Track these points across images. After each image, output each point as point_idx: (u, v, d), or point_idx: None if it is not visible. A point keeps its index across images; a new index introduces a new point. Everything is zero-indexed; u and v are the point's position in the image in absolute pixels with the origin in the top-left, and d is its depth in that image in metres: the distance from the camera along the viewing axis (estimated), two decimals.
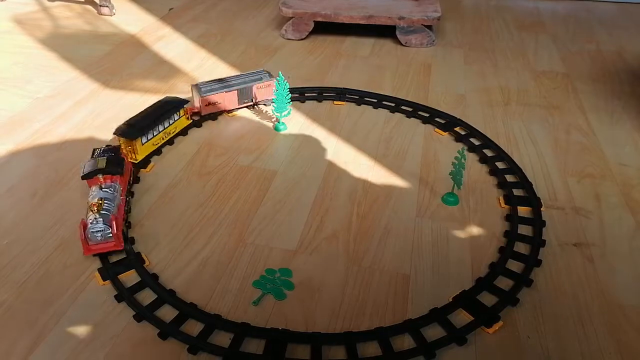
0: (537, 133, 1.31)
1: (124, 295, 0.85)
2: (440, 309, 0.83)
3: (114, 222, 0.90)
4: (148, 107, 1.22)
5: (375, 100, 1.44)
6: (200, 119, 1.33)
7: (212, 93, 1.31)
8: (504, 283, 0.88)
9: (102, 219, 0.90)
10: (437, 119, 1.35)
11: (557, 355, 0.77)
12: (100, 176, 0.98)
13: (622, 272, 0.91)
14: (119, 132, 1.14)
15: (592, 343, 0.79)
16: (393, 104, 1.42)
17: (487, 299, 0.85)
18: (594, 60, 1.71)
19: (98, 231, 0.89)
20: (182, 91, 1.48)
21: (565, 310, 0.84)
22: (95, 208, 0.91)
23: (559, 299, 0.86)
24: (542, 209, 1.04)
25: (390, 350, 0.77)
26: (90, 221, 0.90)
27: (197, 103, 1.33)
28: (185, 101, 1.27)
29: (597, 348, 0.78)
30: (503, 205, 1.06)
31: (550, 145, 1.26)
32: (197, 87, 1.32)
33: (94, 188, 0.98)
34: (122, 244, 0.92)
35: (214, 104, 1.32)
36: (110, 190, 0.97)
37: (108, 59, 1.68)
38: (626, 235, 1.00)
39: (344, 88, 1.48)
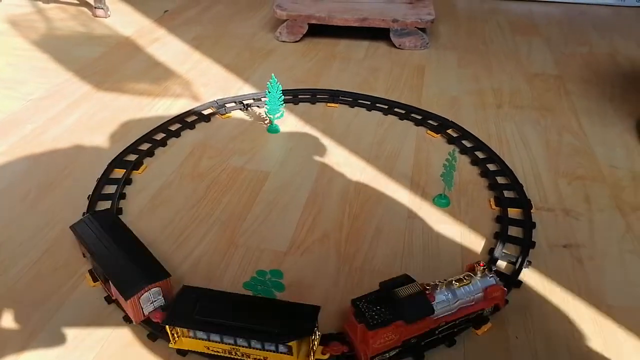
0: (529, 135, 1.31)
1: None
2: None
3: None
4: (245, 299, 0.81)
5: (369, 103, 1.44)
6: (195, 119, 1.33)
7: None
8: None
9: None
10: (429, 121, 1.35)
11: (545, 356, 0.77)
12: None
13: (611, 274, 0.92)
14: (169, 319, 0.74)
15: (580, 342, 0.79)
16: (386, 106, 1.42)
17: None
18: (587, 62, 1.72)
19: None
20: (175, 94, 1.48)
21: (554, 311, 0.85)
22: None
23: (548, 300, 0.87)
24: (532, 210, 1.04)
25: None
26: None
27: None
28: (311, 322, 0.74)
29: (585, 347, 0.79)
30: (494, 206, 1.06)
31: (541, 147, 1.27)
32: None
33: None
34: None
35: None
36: None
37: (102, 60, 1.68)
38: (616, 237, 1.00)
39: (337, 90, 1.49)
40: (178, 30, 1.92)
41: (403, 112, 1.40)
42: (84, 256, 0.92)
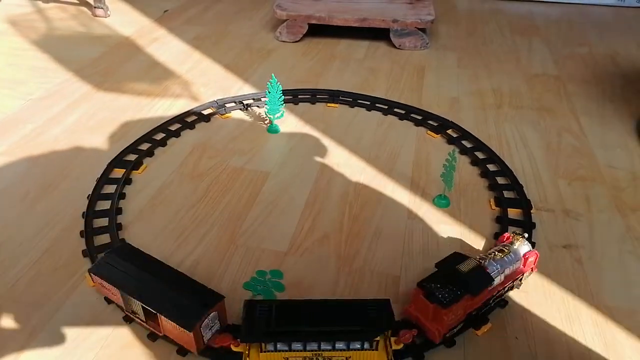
0: (529, 135, 1.31)
1: None
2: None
3: None
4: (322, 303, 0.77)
5: (369, 103, 1.44)
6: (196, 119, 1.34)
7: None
8: None
9: None
10: (429, 122, 1.35)
11: (545, 357, 0.77)
12: None
13: (611, 274, 0.92)
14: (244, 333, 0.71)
15: (580, 343, 0.80)
16: (386, 107, 1.42)
17: None
18: (586, 63, 1.72)
19: None
20: (175, 94, 1.48)
21: (553, 311, 0.85)
22: None
23: (548, 300, 0.87)
24: (532, 211, 1.04)
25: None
26: None
27: None
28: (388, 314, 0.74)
29: (585, 349, 0.79)
30: (493, 207, 1.06)
31: (541, 147, 1.27)
32: None
33: None
34: None
35: None
36: None
37: (102, 60, 1.68)
38: (615, 237, 1.00)
39: (337, 90, 1.49)
40: (178, 30, 1.92)
41: (403, 112, 1.40)
42: (108, 301, 0.84)
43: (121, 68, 1.63)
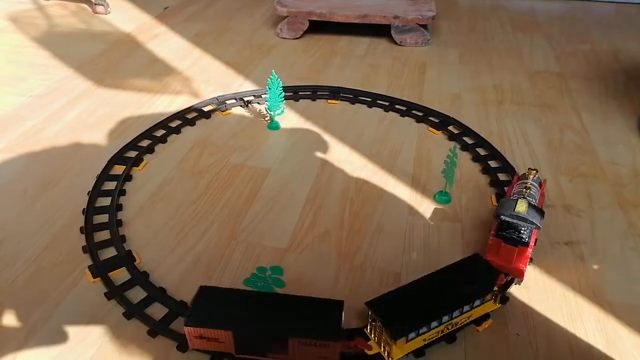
0: (531, 132, 1.31)
1: (114, 292, 0.85)
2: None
3: None
4: (424, 280, 0.80)
5: (370, 99, 1.44)
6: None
7: None
8: None
9: None
10: (430, 118, 1.35)
11: (546, 352, 0.77)
12: None
13: (612, 271, 0.92)
14: (381, 318, 0.72)
15: (581, 339, 0.79)
16: (387, 103, 1.42)
17: None
18: (588, 60, 1.72)
19: None
20: (175, 90, 1.48)
21: (555, 307, 0.84)
22: None
23: (549, 296, 0.86)
24: None
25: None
26: None
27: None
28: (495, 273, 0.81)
29: (587, 345, 0.78)
30: (495, 203, 1.06)
31: (543, 144, 1.26)
32: None
33: None
34: None
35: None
36: None
37: (102, 57, 1.67)
38: (617, 234, 1.00)
39: (338, 87, 1.48)
40: (178, 26, 1.92)
41: (404, 108, 1.40)
42: (181, 348, 0.76)
43: (121, 65, 1.62)
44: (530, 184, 0.94)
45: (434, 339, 0.76)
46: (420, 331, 0.72)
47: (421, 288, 0.77)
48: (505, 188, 1.08)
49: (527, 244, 0.83)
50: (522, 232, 0.84)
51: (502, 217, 0.87)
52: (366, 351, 0.74)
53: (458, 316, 0.76)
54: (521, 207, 0.87)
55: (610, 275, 0.91)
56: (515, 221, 0.85)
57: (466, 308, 0.76)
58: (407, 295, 0.76)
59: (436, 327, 0.74)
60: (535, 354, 0.77)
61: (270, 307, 0.74)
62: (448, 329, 0.76)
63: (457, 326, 0.78)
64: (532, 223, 0.86)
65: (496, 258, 0.85)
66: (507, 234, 0.84)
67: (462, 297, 0.75)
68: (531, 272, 0.90)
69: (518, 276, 0.86)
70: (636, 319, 0.83)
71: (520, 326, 0.81)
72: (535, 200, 0.92)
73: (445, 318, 0.74)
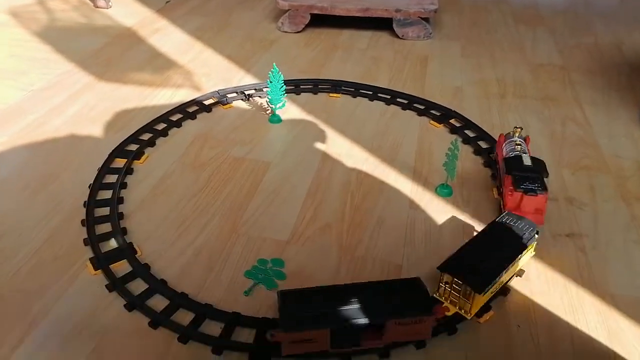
0: (533, 125, 1.30)
1: (116, 285, 0.85)
2: (432, 298, 0.83)
3: None
4: (480, 237, 0.87)
5: (371, 93, 1.43)
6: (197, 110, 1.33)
7: None
8: None
9: None
10: (432, 111, 1.34)
11: (547, 343, 0.77)
12: None
13: (615, 263, 0.91)
14: (469, 280, 0.78)
15: (583, 331, 0.79)
16: (389, 97, 1.41)
17: None
18: (591, 53, 1.71)
19: None
20: (176, 84, 1.47)
21: (556, 299, 0.84)
22: None
23: (551, 288, 0.86)
24: None
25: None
26: None
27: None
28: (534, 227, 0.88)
29: (588, 337, 0.78)
30: (496, 196, 1.05)
31: (545, 137, 1.26)
32: None
33: None
34: None
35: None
36: None
37: (104, 51, 1.67)
38: (620, 226, 0.99)
39: (339, 80, 1.48)
40: (180, 20, 1.91)
41: (406, 102, 1.39)
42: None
43: (123, 59, 1.62)
44: (520, 141, 1.03)
45: (492, 294, 0.82)
46: (492, 284, 0.79)
47: (478, 248, 0.84)
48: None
49: (546, 189, 0.92)
50: (536, 182, 0.93)
51: (514, 173, 0.95)
52: (446, 313, 0.79)
53: (507, 271, 0.83)
54: (527, 161, 0.98)
55: (613, 268, 0.90)
56: (527, 174, 0.94)
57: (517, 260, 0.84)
58: (469, 256, 0.82)
59: (497, 281, 0.80)
60: (536, 346, 0.77)
61: (355, 297, 0.75)
62: (498, 286, 0.83)
63: (503, 284, 0.84)
64: (541, 173, 0.95)
65: (518, 211, 0.92)
66: (525, 186, 0.92)
67: (512, 251, 0.83)
68: (533, 264, 0.90)
69: (539, 222, 0.91)
70: (638, 311, 0.82)
71: (521, 318, 0.81)
72: (527, 154, 1.01)
73: (502, 273, 0.81)
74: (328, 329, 0.71)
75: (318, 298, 0.75)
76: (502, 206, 0.99)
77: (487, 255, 0.82)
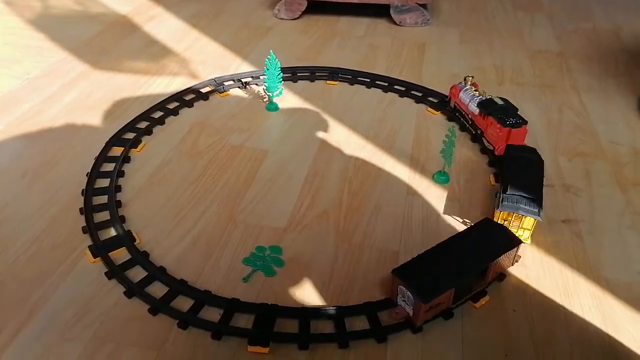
0: (530, 112, 1.30)
1: (115, 272, 0.85)
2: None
3: None
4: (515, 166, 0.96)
5: (369, 80, 1.43)
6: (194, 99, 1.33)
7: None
8: None
9: None
10: (430, 98, 1.34)
11: (542, 327, 0.78)
12: None
13: (610, 248, 0.92)
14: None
15: (578, 315, 0.80)
16: (386, 84, 1.41)
17: None
18: (590, 39, 1.70)
19: None
20: (172, 72, 1.47)
21: (552, 284, 0.85)
22: None
23: (546, 273, 0.87)
24: None
25: (378, 324, 0.77)
26: None
27: None
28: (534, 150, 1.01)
29: (583, 320, 0.79)
30: (493, 183, 1.06)
31: (542, 124, 1.26)
32: None
33: None
34: None
35: None
36: None
37: (98, 39, 1.66)
38: (615, 212, 1.00)
39: (336, 68, 1.47)
40: (175, 7, 1.90)
41: (403, 89, 1.39)
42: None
43: (118, 46, 1.61)
44: (474, 88, 1.17)
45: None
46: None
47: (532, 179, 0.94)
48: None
49: (526, 121, 1.06)
50: (515, 117, 1.06)
51: (495, 114, 1.07)
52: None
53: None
54: (498, 101, 1.10)
55: (608, 253, 0.91)
56: (505, 112, 1.07)
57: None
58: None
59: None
60: (532, 329, 0.78)
61: (458, 251, 0.81)
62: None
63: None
64: (514, 108, 1.09)
65: (508, 142, 1.05)
66: (510, 121, 1.05)
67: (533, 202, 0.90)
68: (528, 250, 0.91)
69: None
70: (632, 295, 0.83)
71: (517, 302, 0.82)
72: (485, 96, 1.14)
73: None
74: (453, 288, 0.76)
75: (431, 263, 0.79)
76: (486, 143, 1.12)
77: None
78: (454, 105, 1.23)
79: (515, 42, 1.67)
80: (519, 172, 0.94)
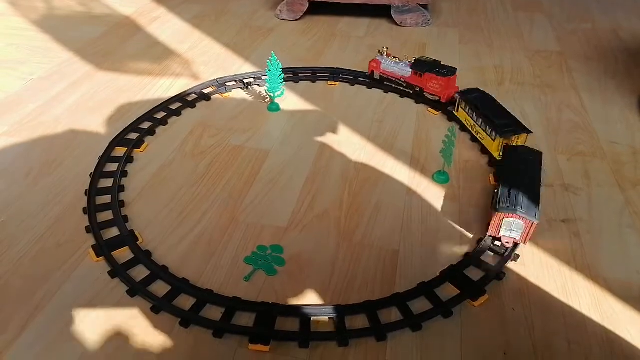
0: (530, 112, 1.31)
1: (118, 271, 0.86)
2: (428, 283, 0.84)
3: None
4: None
5: (369, 81, 1.43)
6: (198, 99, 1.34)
7: None
8: (492, 258, 0.89)
9: None
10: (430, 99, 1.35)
11: (541, 326, 0.79)
12: None
13: (608, 248, 0.93)
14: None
15: (576, 314, 0.81)
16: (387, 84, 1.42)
17: (474, 273, 0.86)
18: (589, 39, 1.70)
19: None
20: (175, 73, 1.48)
21: (550, 283, 0.86)
22: None
23: (545, 273, 0.88)
24: None
25: (378, 322, 0.78)
26: None
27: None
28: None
29: (581, 319, 0.80)
30: (493, 182, 1.06)
31: (542, 124, 1.26)
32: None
33: None
34: None
35: None
36: None
37: (102, 40, 1.67)
38: (614, 211, 1.01)
39: (338, 68, 1.48)
40: (178, 9, 1.91)
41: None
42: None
43: (122, 48, 1.62)
44: (392, 56, 1.38)
45: (468, 127, 1.20)
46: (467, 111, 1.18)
47: (487, 106, 1.18)
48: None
49: (456, 69, 1.29)
50: (446, 68, 1.28)
51: (432, 70, 1.28)
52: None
53: (479, 126, 1.16)
54: (428, 60, 1.31)
55: (606, 252, 0.92)
56: (438, 65, 1.29)
57: (484, 127, 1.15)
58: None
59: (471, 118, 1.19)
60: (530, 329, 0.78)
61: (522, 175, 0.95)
62: (473, 130, 1.19)
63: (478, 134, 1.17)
64: (439, 60, 1.32)
65: (448, 91, 1.28)
66: (445, 72, 1.27)
67: (489, 120, 1.13)
68: (528, 249, 0.92)
69: (454, 90, 1.28)
70: (631, 294, 0.84)
71: (515, 301, 0.82)
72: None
73: (475, 119, 1.19)
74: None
75: (516, 192, 0.91)
76: (429, 96, 1.32)
77: (481, 105, 1.17)
78: (379, 76, 1.40)
79: (515, 42, 1.68)
80: (517, 173, 0.96)
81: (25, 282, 0.85)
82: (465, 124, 1.21)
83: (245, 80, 1.42)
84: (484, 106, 1.16)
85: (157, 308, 0.81)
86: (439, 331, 0.78)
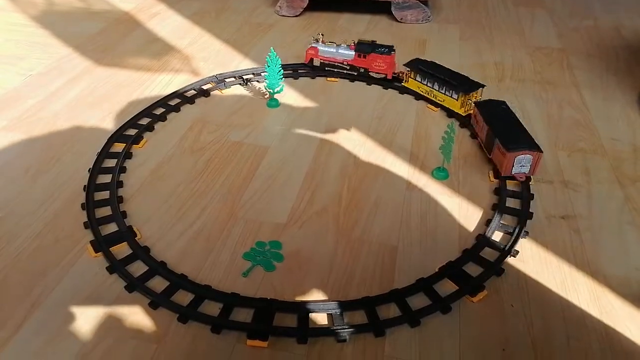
0: (530, 108, 1.30)
1: (116, 266, 0.86)
2: (426, 279, 0.84)
3: None
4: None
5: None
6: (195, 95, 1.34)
7: None
8: (490, 254, 0.89)
9: None
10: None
11: (540, 322, 0.78)
12: None
13: (608, 244, 0.92)
14: None
15: (575, 310, 0.80)
16: (386, 80, 1.41)
17: (473, 269, 0.86)
18: (590, 36, 1.70)
19: None
20: (174, 69, 1.47)
21: (550, 279, 0.85)
22: None
23: (544, 269, 0.87)
24: (531, 182, 1.04)
25: (376, 318, 0.78)
26: None
27: None
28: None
29: (580, 315, 0.80)
30: (492, 179, 1.06)
31: (542, 120, 1.26)
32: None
33: None
34: None
35: None
36: None
37: (102, 36, 1.67)
38: (614, 208, 1.00)
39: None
40: (178, 5, 1.90)
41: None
42: None
43: (121, 43, 1.62)
44: (328, 42, 1.43)
45: (423, 94, 1.33)
46: (417, 78, 1.33)
47: (437, 69, 1.32)
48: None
49: (394, 47, 1.38)
50: (386, 47, 1.36)
51: (376, 50, 1.37)
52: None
53: (436, 90, 1.30)
54: (367, 42, 1.38)
55: (606, 248, 0.91)
56: (379, 45, 1.37)
57: (442, 90, 1.29)
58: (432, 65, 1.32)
59: (425, 84, 1.32)
60: (529, 325, 0.78)
61: (506, 122, 1.10)
62: (430, 95, 1.32)
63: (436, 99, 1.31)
64: (375, 41, 1.39)
65: (390, 69, 1.38)
66: (387, 51, 1.36)
67: (445, 82, 1.28)
68: (527, 245, 0.91)
69: (392, 71, 1.39)
70: (630, 290, 0.84)
71: (514, 298, 0.82)
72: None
73: (431, 84, 1.31)
74: None
75: (510, 134, 1.05)
76: (374, 75, 1.40)
77: (434, 70, 1.32)
78: (320, 62, 1.44)
79: (515, 38, 1.67)
80: (501, 120, 1.10)
81: (23, 277, 0.85)
82: (420, 92, 1.32)
83: (245, 76, 1.42)
84: (438, 72, 1.28)
85: (156, 303, 0.80)
86: (438, 327, 0.78)
